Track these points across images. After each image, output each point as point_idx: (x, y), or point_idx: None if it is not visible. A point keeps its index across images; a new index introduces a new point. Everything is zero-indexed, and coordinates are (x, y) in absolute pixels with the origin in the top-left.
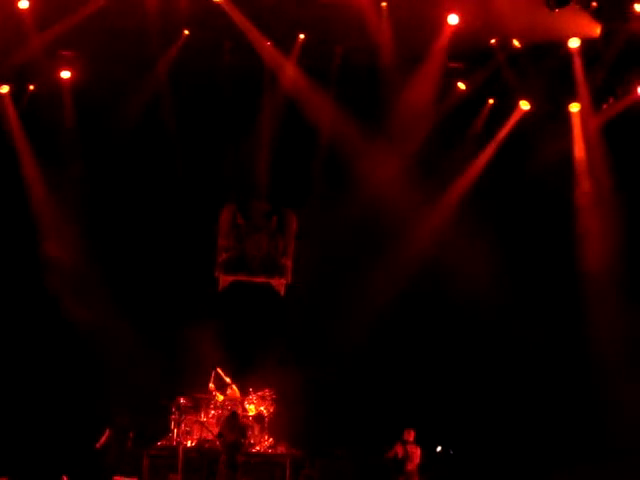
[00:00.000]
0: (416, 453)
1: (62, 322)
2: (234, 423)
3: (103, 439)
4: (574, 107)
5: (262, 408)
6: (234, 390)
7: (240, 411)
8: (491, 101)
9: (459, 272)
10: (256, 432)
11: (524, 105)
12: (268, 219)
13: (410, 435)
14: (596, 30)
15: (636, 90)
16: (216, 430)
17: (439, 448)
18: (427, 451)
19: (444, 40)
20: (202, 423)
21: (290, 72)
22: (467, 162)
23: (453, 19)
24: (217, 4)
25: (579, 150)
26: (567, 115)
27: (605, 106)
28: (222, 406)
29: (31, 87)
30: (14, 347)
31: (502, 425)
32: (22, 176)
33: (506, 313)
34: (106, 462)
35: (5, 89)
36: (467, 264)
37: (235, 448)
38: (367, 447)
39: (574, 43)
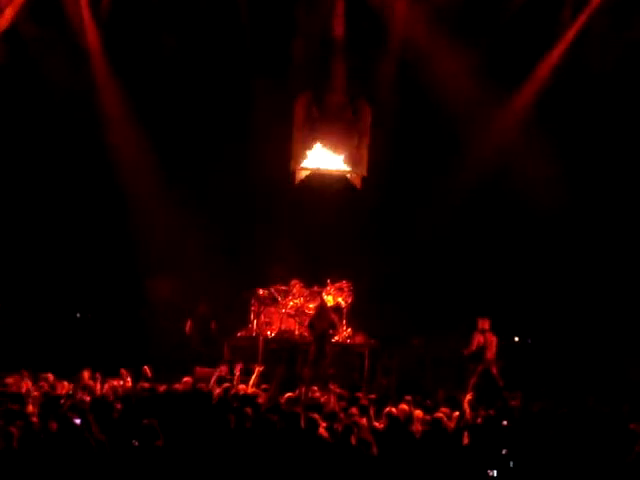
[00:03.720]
0: (493, 342)
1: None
2: (323, 314)
3: (187, 327)
4: None
5: (340, 299)
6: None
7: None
8: None
9: (533, 167)
10: (337, 323)
11: None
12: (343, 110)
13: (485, 323)
14: None
15: None
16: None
17: (517, 338)
18: (504, 341)
19: None
20: (289, 314)
21: None
22: (542, 55)
23: None
24: None
25: None
26: None
27: None
28: (300, 297)
29: None
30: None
31: (580, 314)
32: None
33: (580, 209)
34: (189, 351)
35: None
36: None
37: (324, 338)
38: (444, 336)
39: None
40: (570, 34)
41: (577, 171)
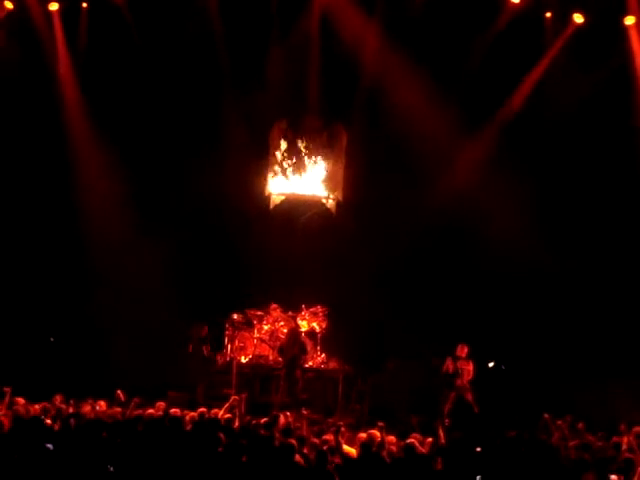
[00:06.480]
0: (468, 369)
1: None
2: (295, 339)
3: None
4: (629, 20)
5: (314, 324)
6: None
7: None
8: (548, 15)
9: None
10: (308, 348)
11: (578, 18)
12: (319, 135)
13: (463, 351)
14: None
15: None
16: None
17: (491, 364)
18: (479, 366)
19: None
20: (262, 339)
21: None
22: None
23: None
24: None
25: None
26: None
27: None
28: (276, 322)
29: (84, 5)
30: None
31: (554, 341)
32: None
33: (548, 236)
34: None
35: (55, 6)
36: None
37: (294, 363)
38: (419, 362)
39: None
40: (538, 70)
41: (542, 201)
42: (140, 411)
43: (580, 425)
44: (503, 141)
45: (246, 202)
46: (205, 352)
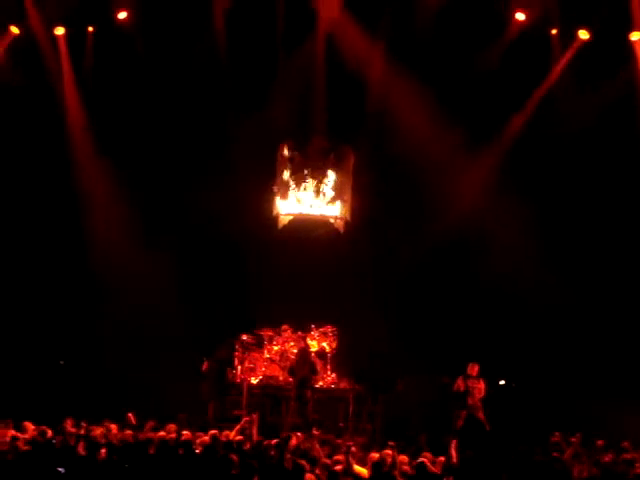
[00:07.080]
0: (479, 387)
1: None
2: (305, 359)
3: (204, 367)
4: (635, 36)
5: (324, 344)
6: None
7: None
8: (554, 32)
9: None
10: (319, 368)
11: (583, 35)
12: (326, 156)
13: (474, 370)
14: None
15: None
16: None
17: (502, 382)
18: (490, 385)
19: None
20: (272, 360)
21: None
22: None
23: None
24: None
25: None
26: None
27: None
28: (285, 342)
29: (90, 29)
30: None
31: (565, 358)
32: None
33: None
34: (203, 392)
35: (61, 30)
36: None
37: (305, 383)
38: (430, 381)
39: None
40: (544, 88)
41: (547, 221)
42: (151, 434)
43: (599, 443)
44: (508, 161)
45: (254, 223)
46: (229, 373)
